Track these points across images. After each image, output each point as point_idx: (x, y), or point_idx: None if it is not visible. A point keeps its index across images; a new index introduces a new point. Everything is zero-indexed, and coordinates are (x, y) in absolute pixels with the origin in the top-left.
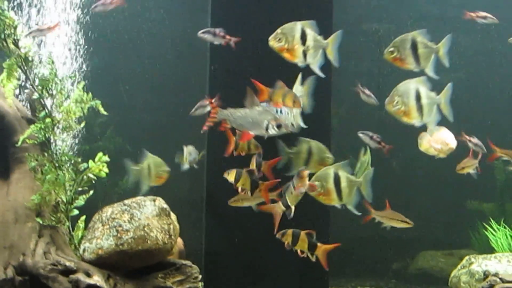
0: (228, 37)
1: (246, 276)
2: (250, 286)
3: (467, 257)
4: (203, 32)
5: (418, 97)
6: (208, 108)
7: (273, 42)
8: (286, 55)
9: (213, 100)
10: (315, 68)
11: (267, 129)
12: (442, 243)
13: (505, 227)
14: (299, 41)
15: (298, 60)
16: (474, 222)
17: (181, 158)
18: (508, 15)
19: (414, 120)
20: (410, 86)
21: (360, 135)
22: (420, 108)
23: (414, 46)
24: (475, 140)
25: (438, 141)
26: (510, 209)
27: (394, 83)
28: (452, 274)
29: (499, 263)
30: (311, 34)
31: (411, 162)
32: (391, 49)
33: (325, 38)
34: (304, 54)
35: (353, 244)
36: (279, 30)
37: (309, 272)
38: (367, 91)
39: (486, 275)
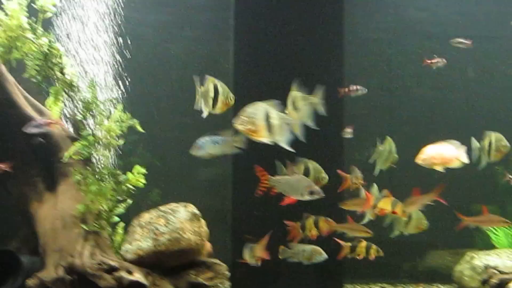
0: (48, 122)
1: (268, 276)
2: (271, 285)
3: (469, 253)
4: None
5: (267, 117)
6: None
7: None
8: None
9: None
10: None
11: (302, 194)
12: (449, 243)
13: (505, 227)
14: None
15: None
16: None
17: None
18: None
19: (263, 138)
20: (259, 107)
21: None
22: (270, 127)
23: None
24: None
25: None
26: (510, 211)
27: (402, 96)
28: (456, 269)
29: (499, 258)
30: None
31: (418, 168)
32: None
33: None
34: None
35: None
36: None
37: (325, 273)
38: None
39: (486, 268)
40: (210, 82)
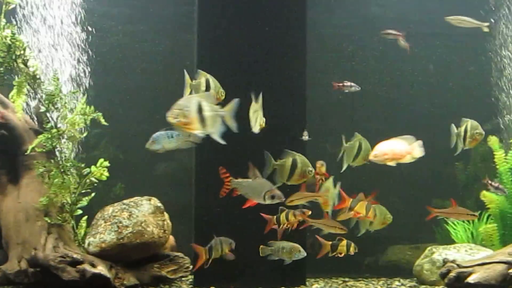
0: None
1: (231, 270)
2: (234, 279)
3: (429, 248)
4: None
5: (200, 110)
6: None
7: None
8: None
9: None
10: None
11: (264, 198)
12: (410, 239)
13: (463, 222)
14: None
15: None
16: (438, 218)
17: None
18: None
19: (196, 130)
20: (192, 100)
21: None
22: (202, 120)
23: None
24: None
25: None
26: (469, 206)
27: (364, 94)
28: (416, 263)
29: (458, 252)
30: None
31: (379, 164)
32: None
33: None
34: None
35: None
36: None
37: (288, 268)
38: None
39: (445, 262)
40: (202, 76)
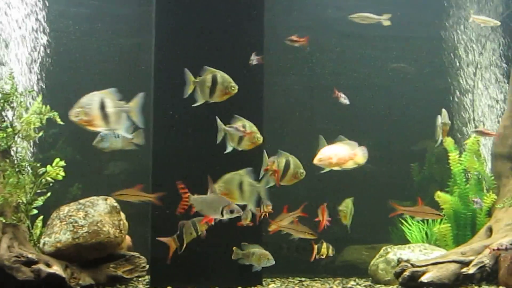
0: None
1: (188, 270)
2: (191, 279)
3: (384, 248)
4: None
5: (102, 107)
6: None
7: None
8: None
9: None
10: None
11: (222, 213)
12: (366, 239)
13: (418, 222)
14: None
15: None
16: (394, 219)
17: None
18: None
19: (100, 128)
20: (94, 97)
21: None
22: (105, 116)
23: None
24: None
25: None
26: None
27: (321, 95)
28: (371, 263)
29: (412, 252)
30: None
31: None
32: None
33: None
34: None
35: (285, 241)
36: None
37: (245, 268)
38: None
39: (399, 261)
40: (209, 73)
